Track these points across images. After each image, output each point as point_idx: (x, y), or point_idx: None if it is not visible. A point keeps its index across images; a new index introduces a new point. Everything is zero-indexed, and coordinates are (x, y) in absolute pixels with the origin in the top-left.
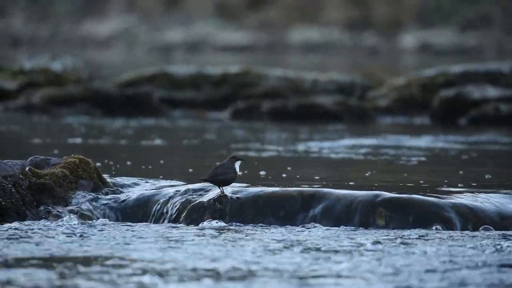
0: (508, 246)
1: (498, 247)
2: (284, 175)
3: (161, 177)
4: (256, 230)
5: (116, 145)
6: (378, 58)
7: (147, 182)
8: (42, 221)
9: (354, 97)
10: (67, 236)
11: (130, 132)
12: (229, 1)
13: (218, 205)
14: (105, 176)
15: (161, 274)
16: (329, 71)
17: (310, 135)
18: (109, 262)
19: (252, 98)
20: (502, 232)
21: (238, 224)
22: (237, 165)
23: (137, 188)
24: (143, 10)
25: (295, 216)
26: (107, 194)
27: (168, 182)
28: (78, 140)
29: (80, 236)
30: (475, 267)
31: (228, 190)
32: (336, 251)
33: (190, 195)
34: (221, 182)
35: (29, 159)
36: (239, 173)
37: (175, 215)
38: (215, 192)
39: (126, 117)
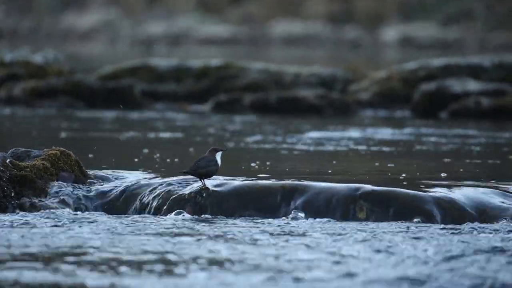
0: (487, 239)
1: (478, 239)
2: (265, 167)
3: (142, 169)
4: (237, 223)
5: (97, 137)
6: (360, 51)
7: (128, 174)
8: (23, 213)
9: (335, 90)
10: (48, 228)
11: (111, 124)
12: None
13: (199, 198)
14: (86, 168)
15: (136, 267)
16: (311, 64)
17: (292, 128)
18: (87, 254)
19: (233, 91)
20: (482, 224)
21: (219, 216)
22: (218, 156)
23: (118, 181)
24: (125, 3)
25: (277, 209)
26: (88, 186)
27: (149, 175)
28: (60, 133)
29: (61, 228)
30: (454, 259)
31: (209, 182)
32: (316, 244)
33: (171, 187)
34: (203, 174)
35: (10, 151)
36: (220, 165)
37: (155, 207)
38: (196, 184)
39: (108, 109)
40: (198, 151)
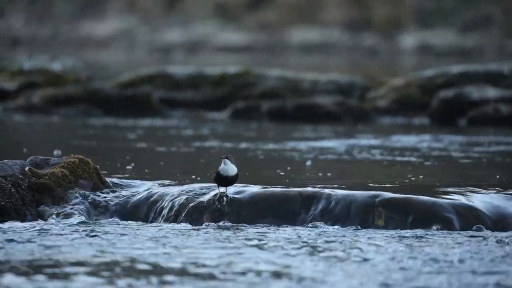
0: (507, 246)
1: (498, 247)
2: (283, 175)
3: (160, 177)
4: (256, 230)
5: (115, 145)
6: (377, 58)
7: (146, 182)
8: (42, 221)
9: (353, 97)
10: (66, 236)
11: (129, 132)
12: (229, 1)
13: (218, 205)
14: (104, 176)
15: (156, 275)
16: (328, 71)
17: (309, 135)
18: (107, 262)
19: (251, 99)
20: (502, 232)
21: (237, 224)
22: (228, 164)
23: (137, 188)
24: (142, 10)
25: (295, 217)
26: (106, 194)
27: (167, 182)
28: (78, 140)
29: (79, 236)
30: (474, 267)
31: (228, 190)
32: (335, 252)
33: (190, 195)
34: (214, 181)
35: (28, 159)
36: (229, 171)
37: (174, 215)
38: (215, 192)
39: (125, 117)
40: (214, 159)
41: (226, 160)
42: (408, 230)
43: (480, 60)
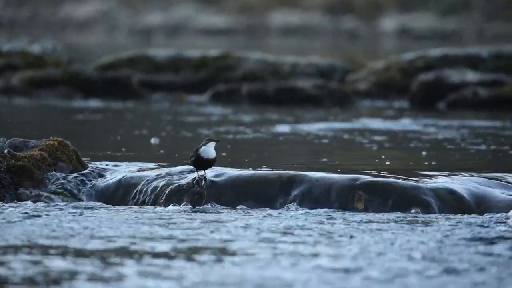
0: (485, 229)
1: (476, 230)
2: (263, 158)
3: (140, 160)
4: (234, 213)
5: (95, 128)
6: (358, 42)
7: (126, 165)
8: (21, 203)
9: (333, 80)
10: (45, 218)
11: (109, 115)
12: None
13: (198, 188)
14: (84, 159)
15: (133, 257)
16: (309, 54)
17: (290, 118)
18: (83, 244)
19: (231, 82)
20: (480, 215)
21: (217, 206)
22: (211, 147)
23: (116, 171)
24: None
25: (274, 199)
26: (85, 176)
27: (147, 165)
28: (57, 123)
29: (58, 218)
30: (452, 250)
31: (207, 173)
32: (314, 234)
33: (170, 178)
34: (192, 164)
35: (7, 141)
36: (214, 155)
37: (154, 198)
38: (194, 175)
39: (106, 100)
40: (194, 142)
41: (210, 142)
42: (387, 213)
43: (460, 43)
